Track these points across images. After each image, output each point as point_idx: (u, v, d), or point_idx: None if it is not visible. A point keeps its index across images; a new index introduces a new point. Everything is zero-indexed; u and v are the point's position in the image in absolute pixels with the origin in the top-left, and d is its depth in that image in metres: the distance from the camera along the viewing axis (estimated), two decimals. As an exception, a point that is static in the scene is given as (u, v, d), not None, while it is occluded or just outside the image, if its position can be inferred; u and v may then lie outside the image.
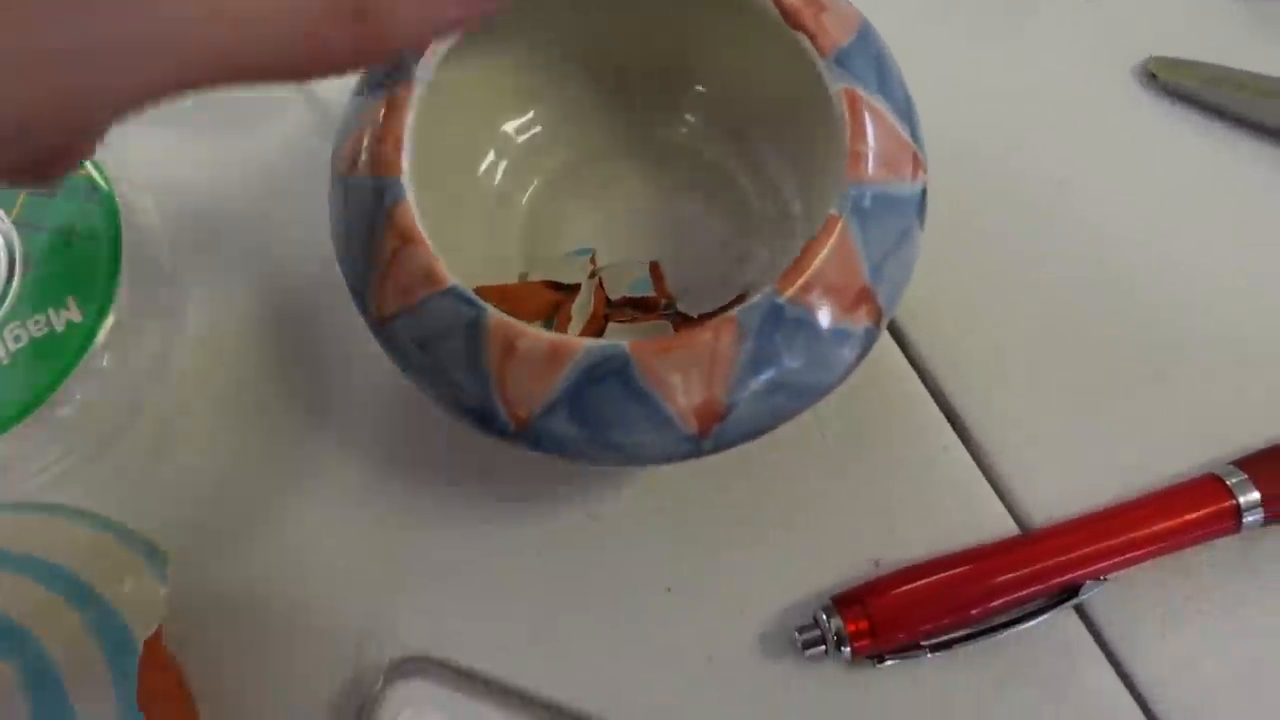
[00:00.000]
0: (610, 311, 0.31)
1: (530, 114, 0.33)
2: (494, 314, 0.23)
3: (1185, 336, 0.32)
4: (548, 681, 0.28)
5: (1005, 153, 0.34)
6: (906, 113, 0.26)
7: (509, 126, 0.33)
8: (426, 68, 0.26)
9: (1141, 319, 0.32)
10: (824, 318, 0.23)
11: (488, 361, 0.23)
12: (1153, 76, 0.36)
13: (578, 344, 0.23)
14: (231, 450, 0.31)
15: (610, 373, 0.23)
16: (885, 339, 0.32)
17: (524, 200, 0.33)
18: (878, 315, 0.24)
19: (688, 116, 0.33)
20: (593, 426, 0.24)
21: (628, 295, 0.32)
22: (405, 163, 0.25)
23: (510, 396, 0.24)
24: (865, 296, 0.24)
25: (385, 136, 0.25)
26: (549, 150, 0.33)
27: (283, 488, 0.31)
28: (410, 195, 0.25)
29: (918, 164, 0.25)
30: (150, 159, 0.33)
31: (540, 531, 0.30)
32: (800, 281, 0.23)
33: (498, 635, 0.29)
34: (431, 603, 0.29)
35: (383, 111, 0.26)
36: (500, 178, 0.33)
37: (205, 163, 0.35)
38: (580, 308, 0.32)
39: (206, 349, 0.32)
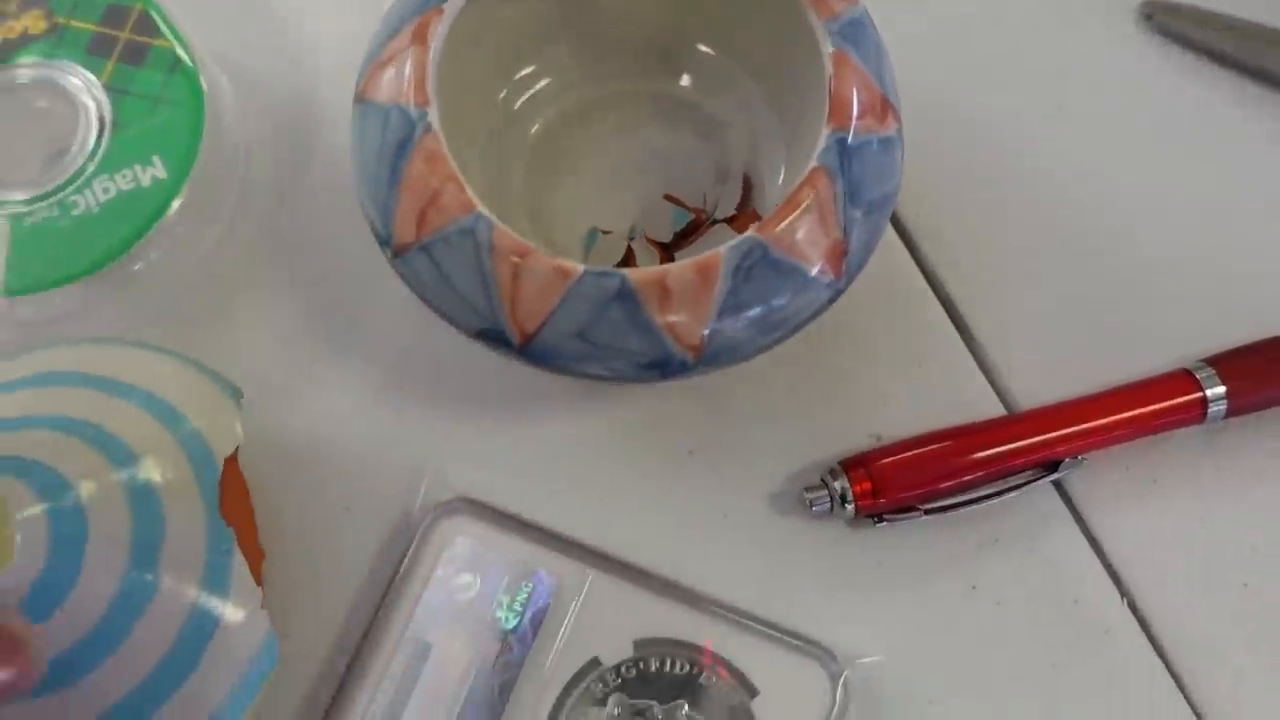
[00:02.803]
0: (674, 253, 0.34)
1: (539, 62, 0.34)
2: (505, 234, 0.26)
3: (1166, 252, 0.35)
4: (579, 527, 0.31)
5: (1006, 80, 0.37)
6: (880, 71, 0.29)
7: (521, 71, 0.34)
8: (455, 2, 0.28)
9: (1127, 235, 0.35)
10: (801, 258, 0.26)
11: (498, 285, 0.26)
12: (1148, 18, 0.39)
13: (577, 267, 0.26)
14: (289, 313, 0.34)
15: (608, 295, 0.26)
16: (893, 242, 0.35)
17: (529, 140, 0.34)
18: (844, 259, 0.27)
19: (686, 76, 0.35)
20: (591, 344, 0.27)
21: (676, 231, 0.34)
22: (432, 92, 0.27)
23: (519, 314, 0.26)
24: (839, 244, 0.27)
25: (415, 62, 0.27)
26: (554, 97, 0.35)
27: (339, 348, 0.33)
28: (438, 125, 0.27)
29: (890, 113, 0.28)
30: (229, 44, 0.36)
31: (576, 399, 0.33)
32: (782, 225, 0.26)
33: (536, 485, 0.32)
34: (476, 455, 0.32)
35: (410, 39, 0.28)
36: (508, 117, 0.34)
37: (285, 54, 0.37)
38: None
39: (269, 222, 0.35)
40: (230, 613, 0.25)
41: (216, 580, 0.25)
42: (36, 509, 0.24)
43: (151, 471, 0.26)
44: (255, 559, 0.27)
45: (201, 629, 0.25)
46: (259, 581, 0.26)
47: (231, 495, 0.27)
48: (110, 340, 0.30)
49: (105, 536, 0.25)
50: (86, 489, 0.25)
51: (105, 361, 0.28)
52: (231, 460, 0.27)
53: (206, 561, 0.25)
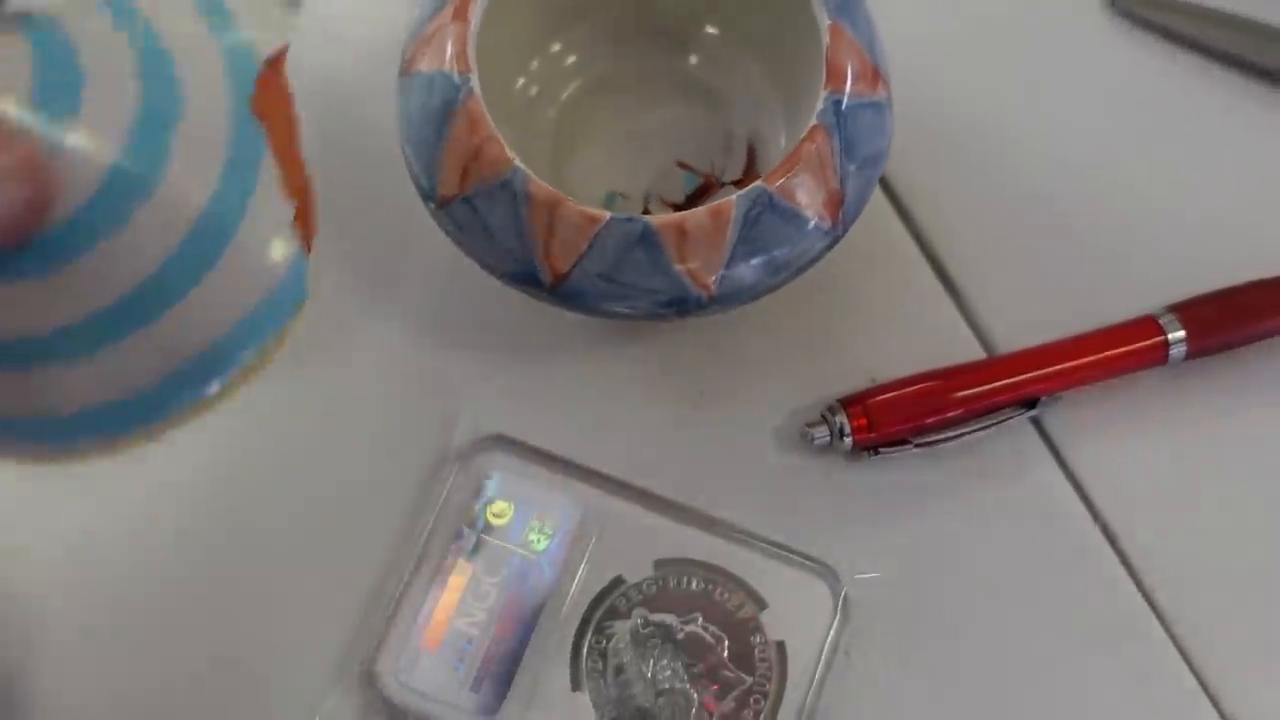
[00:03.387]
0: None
1: (564, 40, 0.38)
2: (539, 185, 0.29)
3: (1133, 211, 0.38)
4: (603, 460, 0.34)
5: (985, 57, 0.41)
6: (871, 43, 0.32)
7: (549, 48, 0.38)
8: None
9: (1098, 197, 0.38)
10: (802, 205, 0.29)
11: (533, 231, 0.29)
12: (1114, 3, 0.42)
13: (604, 214, 0.29)
14: (334, 270, 0.37)
15: (632, 238, 0.29)
16: (882, 202, 0.38)
17: (554, 110, 0.38)
18: (841, 208, 0.30)
19: (694, 56, 0.38)
20: (616, 283, 0.30)
21: (687, 194, 0.37)
22: (473, 61, 0.30)
23: (552, 254, 0.29)
24: (836, 193, 0.30)
25: (457, 36, 0.30)
26: (577, 72, 0.38)
27: (380, 298, 0.37)
28: (479, 90, 0.30)
29: (880, 80, 0.31)
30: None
31: (598, 342, 0.36)
32: (786, 176, 0.29)
33: (563, 422, 0.35)
34: (508, 395, 0.35)
35: (452, 16, 0.31)
36: (536, 90, 0.38)
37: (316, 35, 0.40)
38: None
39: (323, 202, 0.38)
40: (254, 223, 0.23)
41: (239, 182, 0.23)
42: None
43: (170, 40, 0.23)
44: (296, 177, 0.25)
45: (218, 232, 0.23)
46: (303, 214, 0.24)
47: (272, 102, 0.25)
48: None
49: (101, 90, 0.22)
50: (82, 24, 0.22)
51: None
52: (276, 61, 0.25)
53: (228, 158, 0.23)
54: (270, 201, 0.24)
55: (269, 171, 0.24)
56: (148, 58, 0.23)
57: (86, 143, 0.22)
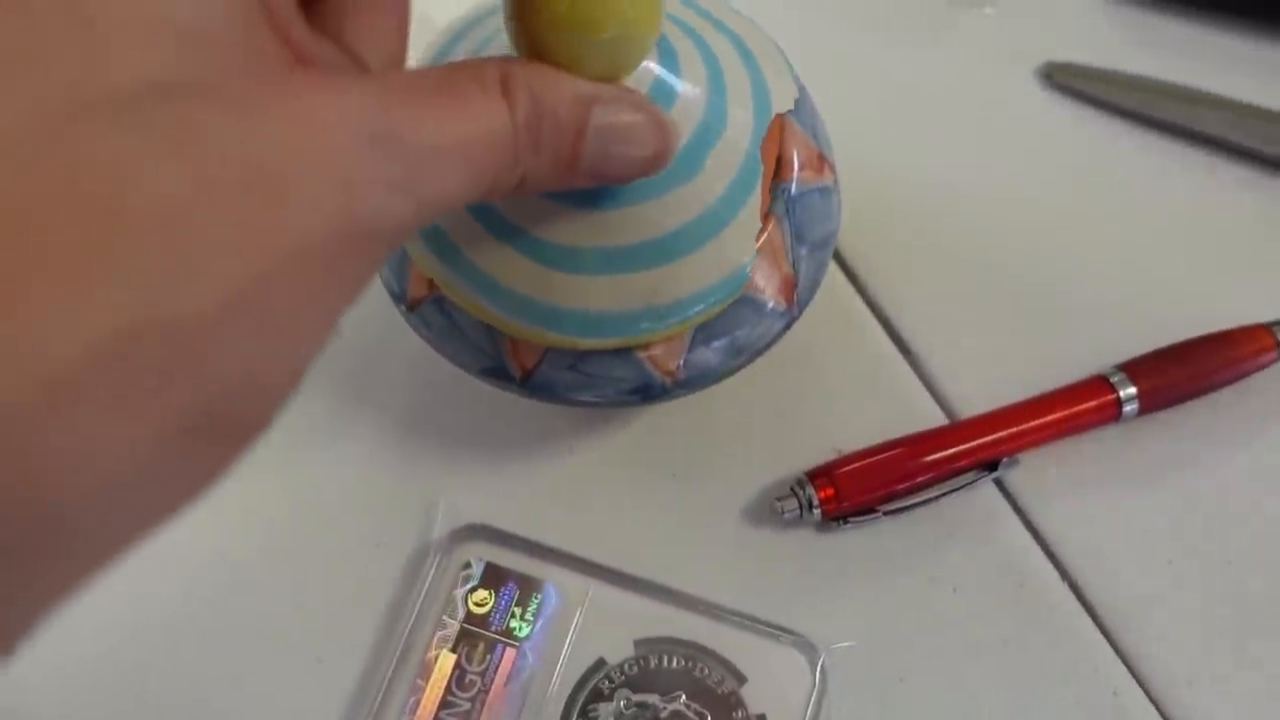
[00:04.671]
0: None
1: None
2: None
3: (1077, 275, 0.40)
4: (579, 544, 0.35)
5: (929, 135, 0.43)
6: (815, 131, 0.33)
7: None
8: None
9: (1043, 262, 0.40)
10: (758, 291, 0.31)
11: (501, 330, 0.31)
12: (1049, 77, 0.44)
13: None
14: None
15: None
16: (838, 278, 0.40)
17: None
18: (795, 290, 0.32)
19: None
20: (583, 374, 0.31)
21: None
22: None
23: (519, 351, 0.31)
24: (790, 277, 0.31)
25: None
26: None
27: (355, 398, 0.38)
28: None
29: (826, 166, 0.33)
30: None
31: (568, 431, 0.37)
32: None
33: (539, 509, 0.36)
34: (484, 485, 0.36)
35: None
36: None
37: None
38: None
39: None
40: (738, 224, 0.30)
41: (741, 188, 0.30)
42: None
43: (726, 56, 0.31)
44: (763, 208, 0.31)
45: (717, 218, 0.29)
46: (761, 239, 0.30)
47: (769, 146, 0.31)
48: None
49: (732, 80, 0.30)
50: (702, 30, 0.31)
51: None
52: (781, 116, 0.31)
53: (739, 171, 0.30)
54: (751, 218, 0.30)
55: (755, 197, 0.30)
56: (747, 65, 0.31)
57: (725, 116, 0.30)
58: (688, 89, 0.29)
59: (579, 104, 0.23)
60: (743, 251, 0.30)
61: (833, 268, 0.37)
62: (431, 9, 0.44)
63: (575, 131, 0.23)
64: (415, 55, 0.34)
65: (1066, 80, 0.44)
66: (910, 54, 0.45)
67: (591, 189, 0.28)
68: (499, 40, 0.31)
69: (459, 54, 0.32)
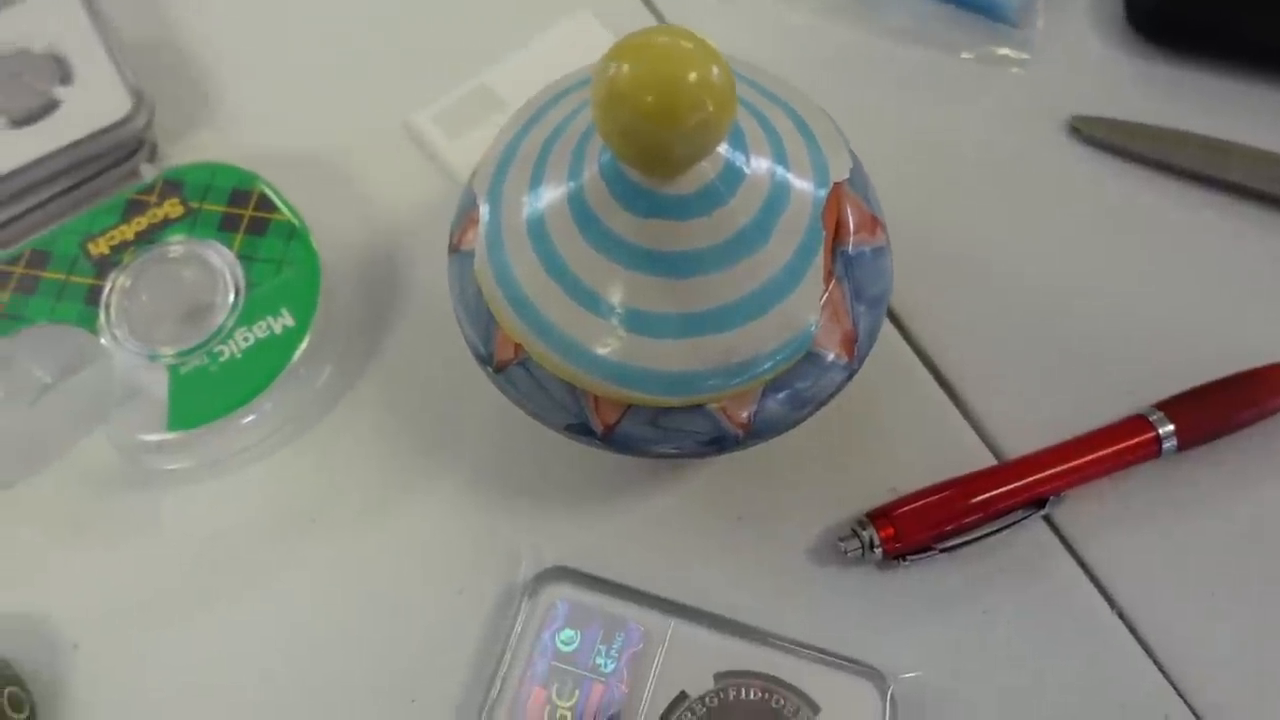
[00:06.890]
0: None
1: None
2: None
3: (1114, 319, 0.42)
4: (659, 584, 0.37)
5: (968, 190, 0.45)
6: (866, 194, 0.36)
7: None
8: None
9: (1081, 308, 0.42)
10: (822, 346, 0.33)
11: (583, 390, 0.33)
12: (1076, 130, 0.47)
13: None
14: (396, 429, 0.41)
15: None
16: (888, 329, 0.42)
17: None
18: (855, 344, 0.34)
19: None
20: (661, 429, 0.33)
21: None
22: None
23: (602, 409, 0.33)
24: (850, 333, 0.34)
25: None
26: None
27: (441, 452, 0.40)
28: None
29: (878, 227, 0.35)
30: (322, 212, 0.43)
31: (644, 478, 0.40)
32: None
33: (619, 552, 0.38)
34: (566, 531, 0.39)
35: None
36: None
37: (363, 216, 0.45)
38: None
39: (372, 350, 0.42)
40: (804, 288, 0.32)
41: (805, 254, 0.32)
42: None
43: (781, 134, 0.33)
44: (826, 273, 0.33)
45: (786, 284, 0.32)
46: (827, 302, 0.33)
47: (829, 214, 0.33)
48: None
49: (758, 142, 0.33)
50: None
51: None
52: (839, 185, 0.34)
53: (803, 237, 0.32)
54: (815, 281, 0.32)
55: (819, 262, 0.32)
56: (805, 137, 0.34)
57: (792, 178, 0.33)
58: (755, 166, 0.32)
59: None
60: (808, 311, 0.32)
61: (885, 321, 0.39)
62: (496, 82, 0.47)
63: None
64: (487, 135, 0.37)
65: (1093, 132, 0.46)
66: (944, 111, 0.47)
67: (668, 260, 0.31)
68: (577, 122, 0.34)
69: (535, 138, 0.34)
